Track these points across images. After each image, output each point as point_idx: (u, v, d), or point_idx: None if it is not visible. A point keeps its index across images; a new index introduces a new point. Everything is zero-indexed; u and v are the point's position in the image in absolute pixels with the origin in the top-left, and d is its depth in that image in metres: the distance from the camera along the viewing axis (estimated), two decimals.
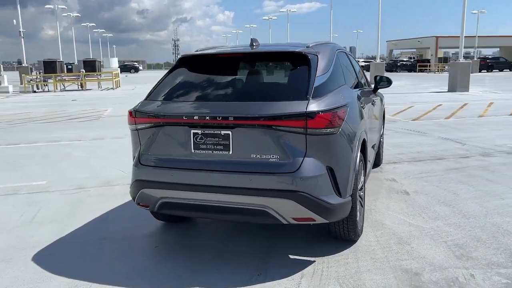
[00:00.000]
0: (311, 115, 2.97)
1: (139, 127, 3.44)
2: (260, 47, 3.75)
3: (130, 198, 5.03)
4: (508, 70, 48.97)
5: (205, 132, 3.16)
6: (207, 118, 3.11)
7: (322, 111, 3.02)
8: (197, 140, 3.19)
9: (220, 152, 3.15)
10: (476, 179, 5.51)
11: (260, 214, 3.11)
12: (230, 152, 3.13)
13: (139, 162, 3.43)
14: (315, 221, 3.11)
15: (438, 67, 52.96)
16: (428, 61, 58.69)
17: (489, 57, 57.27)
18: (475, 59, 50.81)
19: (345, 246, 3.64)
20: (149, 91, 3.66)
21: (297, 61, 3.40)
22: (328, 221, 3.17)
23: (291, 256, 3.49)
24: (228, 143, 3.12)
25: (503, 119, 10.93)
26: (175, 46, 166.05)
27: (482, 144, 7.75)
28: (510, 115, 11.67)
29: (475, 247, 3.57)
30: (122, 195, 5.23)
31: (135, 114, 3.45)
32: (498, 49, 73.81)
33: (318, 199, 3.02)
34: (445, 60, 60.63)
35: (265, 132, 3.05)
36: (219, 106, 3.18)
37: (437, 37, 61.70)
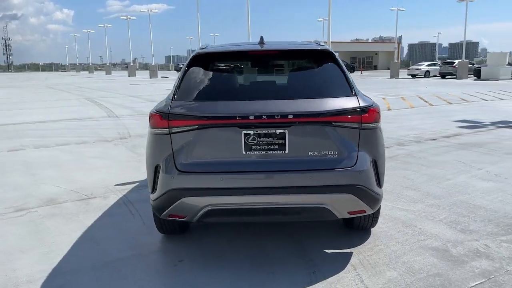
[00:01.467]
0: (365, 110, 3.10)
1: (174, 130, 3.09)
2: (275, 45, 3.71)
3: (94, 216, 4.52)
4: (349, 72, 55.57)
5: (258, 132, 3.03)
6: (264, 117, 2.98)
7: (371, 106, 3.16)
8: (249, 141, 3.03)
9: (275, 151, 3.05)
10: (413, 166, 6.25)
11: (317, 211, 3.10)
12: (286, 151, 3.05)
13: (175, 169, 3.10)
14: (365, 212, 3.23)
15: None
16: None
17: None
18: None
19: (365, 235, 3.82)
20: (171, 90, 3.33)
21: (325, 59, 3.46)
22: (373, 212, 3.31)
23: (328, 251, 3.54)
24: (283, 142, 3.04)
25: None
26: (6, 46, 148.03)
27: (390, 135, 8.74)
28: (388, 110, 13.37)
29: (466, 222, 4.10)
30: (83, 212, 4.60)
31: (168, 117, 3.09)
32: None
33: (372, 191, 3.15)
34: None
35: (322, 128, 3.06)
36: (273, 105, 3.06)
37: None
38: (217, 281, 3.11)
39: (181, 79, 3.34)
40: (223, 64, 3.56)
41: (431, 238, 3.73)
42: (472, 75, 35.42)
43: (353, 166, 3.08)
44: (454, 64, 37.91)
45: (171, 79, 38.70)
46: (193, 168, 3.10)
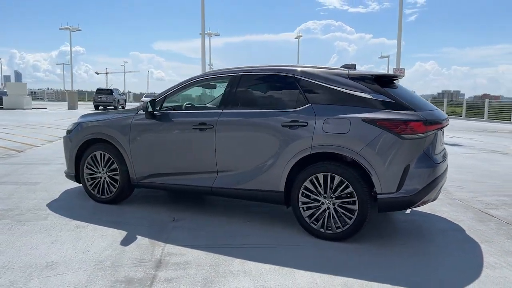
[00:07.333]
0: None
1: (429, 134, 4.01)
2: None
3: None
4: None
5: (440, 132, 4.36)
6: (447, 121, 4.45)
7: None
8: (439, 138, 4.32)
9: (440, 146, 4.44)
10: None
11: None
12: (442, 146, 4.53)
13: (434, 162, 4.07)
14: None
15: None
16: None
17: None
18: None
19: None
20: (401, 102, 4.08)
21: None
22: None
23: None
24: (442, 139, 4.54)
25: None
26: None
27: None
28: None
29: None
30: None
31: (426, 123, 3.96)
32: None
33: None
34: None
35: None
36: (440, 113, 4.43)
37: None
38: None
39: (387, 94, 4.10)
40: (386, 84, 4.34)
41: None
42: None
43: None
44: None
45: None
46: (436, 160, 4.13)
